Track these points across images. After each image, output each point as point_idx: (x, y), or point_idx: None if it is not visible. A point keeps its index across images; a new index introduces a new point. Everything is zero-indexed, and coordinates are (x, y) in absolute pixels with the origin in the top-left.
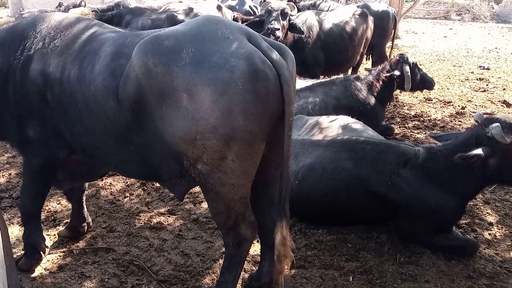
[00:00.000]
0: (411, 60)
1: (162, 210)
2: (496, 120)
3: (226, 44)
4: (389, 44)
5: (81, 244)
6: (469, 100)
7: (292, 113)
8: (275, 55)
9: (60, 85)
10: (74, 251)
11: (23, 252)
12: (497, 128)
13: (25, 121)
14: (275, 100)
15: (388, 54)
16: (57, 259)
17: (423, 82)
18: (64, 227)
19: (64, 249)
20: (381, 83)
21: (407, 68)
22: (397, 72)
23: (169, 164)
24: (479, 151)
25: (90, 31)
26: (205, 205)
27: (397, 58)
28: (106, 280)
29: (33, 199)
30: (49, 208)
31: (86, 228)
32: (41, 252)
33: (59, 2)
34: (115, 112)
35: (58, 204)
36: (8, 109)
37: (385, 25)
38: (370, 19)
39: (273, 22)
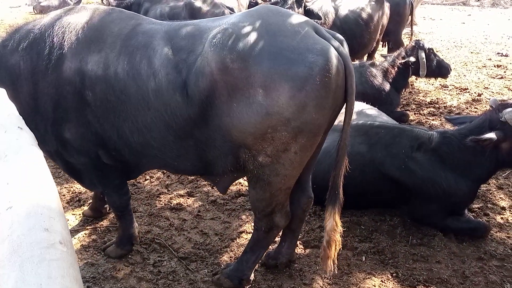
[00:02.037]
0: (427, 46)
1: (181, 192)
2: (510, 105)
3: (299, 39)
4: (407, 30)
5: (105, 223)
6: (485, 87)
7: (354, 103)
8: (341, 47)
9: (104, 83)
10: (98, 229)
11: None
12: (510, 113)
13: (62, 124)
14: (341, 92)
15: (408, 40)
16: (83, 236)
17: (439, 69)
18: (88, 207)
19: (89, 227)
20: (396, 69)
21: (423, 54)
22: (412, 58)
23: (226, 159)
24: (491, 134)
25: (128, 24)
26: None
27: (413, 44)
28: (129, 256)
29: (115, 194)
30: (73, 190)
31: (108, 209)
32: (133, 244)
33: None
34: (181, 107)
35: None
36: (39, 115)
37: (401, 11)
38: (386, 5)
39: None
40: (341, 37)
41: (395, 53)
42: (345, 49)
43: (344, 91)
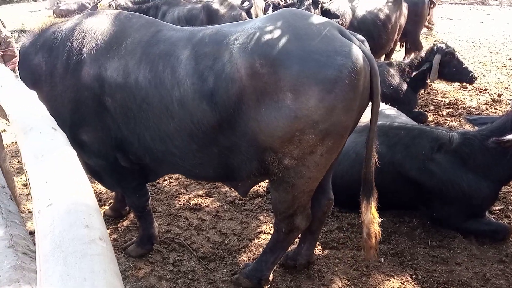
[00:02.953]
0: (447, 49)
1: (200, 192)
2: None
3: (327, 41)
4: (426, 30)
5: (126, 222)
6: (506, 88)
7: (379, 103)
8: (366, 49)
9: (124, 90)
10: (119, 228)
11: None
12: None
13: (80, 128)
14: (367, 93)
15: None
16: None
17: (457, 75)
18: (109, 207)
19: (111, 227)
20: (413, 70)
21: (437, 59)
22: (426, 66)
23: (250, 163)
24: None
25: (149, 31)
26: None
27: (431, 47)
28: (150, 255)
29: (134, 195)
30: (94, 189)
31: (128, 210)
32: (153, 243)
33: None
34: (209, 115)
35: None
36: (57, 117)
37: (419, 11)
38: (404, 6)
39: None
40: (362, 37)
41: (414, 55)
42: (368, 49)
43: (369, 92)
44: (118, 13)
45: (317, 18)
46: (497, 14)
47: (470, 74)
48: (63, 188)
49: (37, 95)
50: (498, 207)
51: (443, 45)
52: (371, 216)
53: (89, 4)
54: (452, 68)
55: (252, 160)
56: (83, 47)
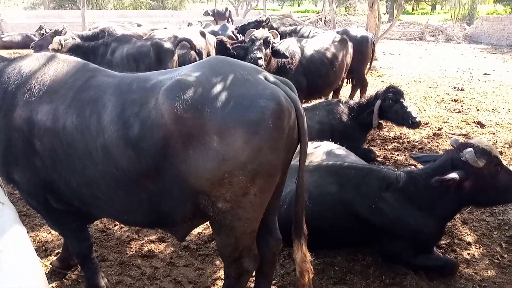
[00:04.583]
0: (388, 94)
1: (153, 237)
2: (469, 145)
3: (250, 85)
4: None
5: (74, 274)
6: (445, 121)
7: (307, 142)
8: (289, 91)
9: (52, 134)
10: (67, 280)
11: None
12: (470, 152)
13: (11, 167)
14: (294, 133)
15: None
16: None
17: (399, 119)
18: (56, 258)
19: (57, 279)
20: (361, 109)
21: (377, 105)
22: (369, 109)
23: (184, 207)
24: (454, 174)
25: (83, 76)
26: (194, 232)
27: (375, 92)
28: None
29: (74, 239)
30: (39, 238)
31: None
32: None
33: (40, 26)
34: (134, 162)
35: (48, 234)
36: None
37: (364, 50)
38: (350, 45)
39: (255, 51)
40: (289, 81)
41: (362, 98)
42: (294, 92)
43: (297, 132)
44: (56, 57)
45: (241, 64)
46: (434, 49)
47: (411, 120)
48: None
49: None
50: (445, 241)
51: (387, 90)
52: (302, 255)
53: (34, 35)
54: (394, 113)
55: (185, 203)
56: (18, 89)
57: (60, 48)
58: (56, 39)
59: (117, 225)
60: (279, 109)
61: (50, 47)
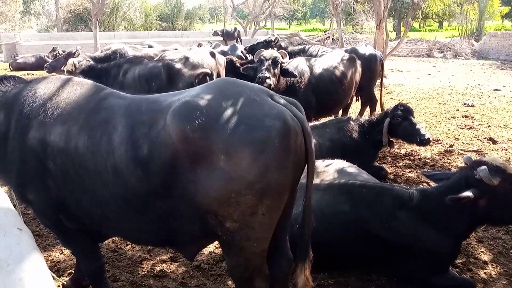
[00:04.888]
0: (397, 112)
1: (164, 257)
2: (483, 163)
3: (256, 106)
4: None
5: None
6: (456, 138)
7: (314, 162)
8: (296, 110)
9: (64, 155)
10: None
11: None
12: (484, 170)
13: (25, 187)
14: (301, 152)
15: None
16: None
17: (409, 137)
18: (69, 278)
19: None
20: (372, 127)
21: (387, 123)
22: (379, 127)
23: (193, 226)
24: (468, 193)
25: (95, 98)
26: (206, 251)
27: (385, 110)
28: None
29: (85, 259)
30: (52, 258)
31: None
32: None
33: (53, 47)
34: (143, 182)
35: (61, 254)
36: (6, 176)
37: (372, 67)
38: (358, 63)
39: (264, 71)
40: (296, 101)
41: (372, 116)
42: (301, 112)
43: (305, 151)
44: (71, 79)
45: (248, 86)
46: (442, 66)
47: (420, 137)
48: None
49: None
50: (461, 260)
51: (396, 108)
52: (305, 279)
53: (47, 56)
54: (403, 130)
55: (194, 223)
56: (33, 111)
57: (74, 70)
58: (70, 61)
59: (129, 244)
60: (286, 129)
61: (64, 68)
